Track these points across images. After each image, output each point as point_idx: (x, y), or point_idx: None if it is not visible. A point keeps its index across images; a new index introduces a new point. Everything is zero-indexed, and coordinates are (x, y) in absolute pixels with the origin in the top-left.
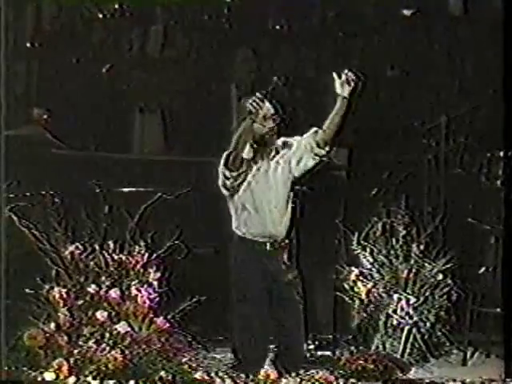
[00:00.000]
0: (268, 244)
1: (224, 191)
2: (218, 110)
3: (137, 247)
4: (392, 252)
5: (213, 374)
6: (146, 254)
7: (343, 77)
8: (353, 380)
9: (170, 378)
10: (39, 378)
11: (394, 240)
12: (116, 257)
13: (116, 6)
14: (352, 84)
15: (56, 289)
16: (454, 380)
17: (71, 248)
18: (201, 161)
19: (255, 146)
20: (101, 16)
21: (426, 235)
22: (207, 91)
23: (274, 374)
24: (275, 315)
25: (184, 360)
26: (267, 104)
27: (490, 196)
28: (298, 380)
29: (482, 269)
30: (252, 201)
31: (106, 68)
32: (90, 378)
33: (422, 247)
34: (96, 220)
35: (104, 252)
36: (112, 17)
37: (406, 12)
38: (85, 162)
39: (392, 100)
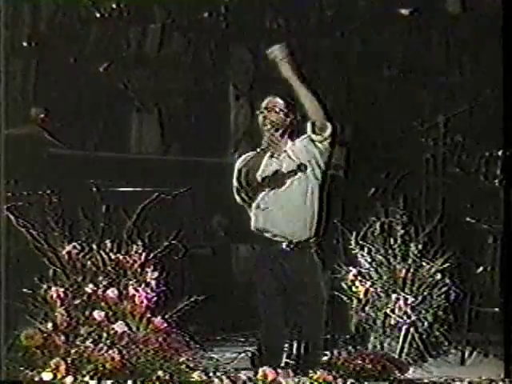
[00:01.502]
0: (284, 244)
1: (238, 199)
2: (216, 109)
3: (134, 247)
4: (390, 251)
5: (211, 374)
6: (144, 254)
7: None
8: (351, 380)
9: (167, 377)
10: (36, 378)
11: (392, 239)
12: (113, 256)
13: (113, 6)
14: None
15: (53, 288)
16: (453, 380)
17: (68, 247)
18: (198, 160)
19: (269, 140)
20: (98, 15)
21: (424, 235)
22: (205, 90)
23: (271, 374)
24: (291, 317)
25: (182, 360)
26: (277, 99)
27: (488, 195)
28: (296, 380)
29: (480, 268)
30: (266, 199)
31: (104, 67)
32: (87, 378)
33: (420, 247)
34: (93, 219)
35: (101, 251)
36: (109, 16)
37: (404, 11)
38: (82, 161)
39: (390, 99)
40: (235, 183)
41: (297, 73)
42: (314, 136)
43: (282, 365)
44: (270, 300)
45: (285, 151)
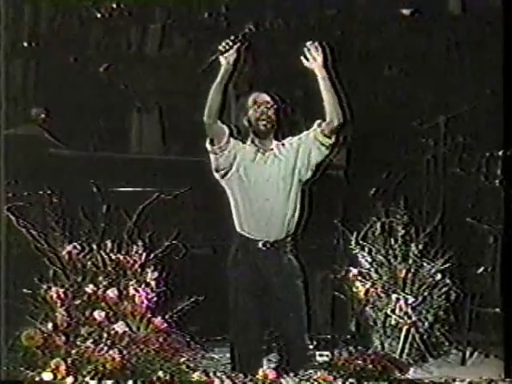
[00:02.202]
0: (260, 242)
1: (214, 172)
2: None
3: (135, 247)
4: (390, 252)
5: (211, 374)
6: (144, 254)
7: (308, 53)
8: (351, 380)
9: (168, 378)
10: (37, 378)
11: (392, 240)
12: (114, 256)
13: (114, 6)
14: (318, 57)
15: (53, 288)
16: (454, 380)
17: (69, 248)
18: (199, 160)
19: (252, 135)
20: (98, 15)
21: (425, 235)
22: (205, 91)
23: (272, 374)
24: (272, 316)
25: (182, 360)
26: (260, 94)
27: (489, 196)
28: (297, 380)
29: (481, 269)
30: (245, 194)
31: (104, 67)
32: (87, 378)
33: (420, 247)
34: (94, 220)
35: (102, 252)
36: (110, 16)
37: (405, 11)
38: (83, 161)
39: (390, 99)
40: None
41: (329, 73)
42: (321, 137)
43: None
44: (245, 300)
45: (271, 149)
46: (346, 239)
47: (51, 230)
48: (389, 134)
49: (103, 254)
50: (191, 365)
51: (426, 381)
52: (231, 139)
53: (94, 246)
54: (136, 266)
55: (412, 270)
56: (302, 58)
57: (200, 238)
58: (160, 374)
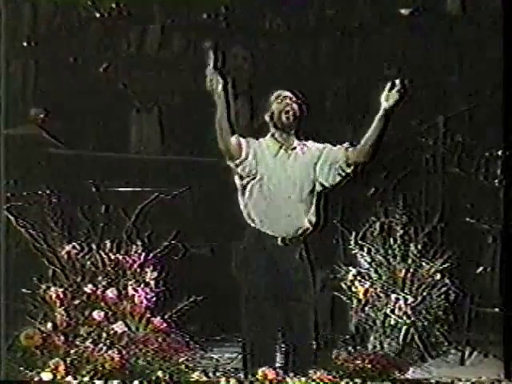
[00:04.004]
0: (279, 238)
1: (236, 180)
2: (215, 109)
3: (134, 247)
4: (390, 252)
5: (210, 375)
6: (143, 254)
7: (388, 86)
8: (351, 380)
9: (167, 377)
10: (36, 378)
11: (391, 239)
12: (113, 256)
13: (113, 5)
14: (397, 95)
15: (53, 288)
16: (453, 380)
17: (68, 248)
18: (198, 160)
19: (274, 129)
20: (98, 15)
21: (424, 235)
22: (204, 91)
23: (271, 374)
24: (284, 314)
25: (181, 360)
26: (284, 90)
27: (488, 195)
28: (296, 380)
29: (480, 268)
30: (266, 190)
31: (103, 67)
32: (86, 378)
33: (419, 247)
34: (93, 220)
35: (101, 252)
36: (109, 16)
37: (404, 11)
38: (82, 161)
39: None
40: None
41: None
42: (344, 165)
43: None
44: (260, 296)
45: (294, 148)
46: (345, 239)
47: (50, 230)
48: (388, 134)
49: (102, 253)
50: (190, 365)
51: (425, 381)
52: (250, 145)
53: (93, 246)
54: (135, 265)
55: (411, 270)
56: (384, 95)
57: (199, 237)
58: (159, 373)
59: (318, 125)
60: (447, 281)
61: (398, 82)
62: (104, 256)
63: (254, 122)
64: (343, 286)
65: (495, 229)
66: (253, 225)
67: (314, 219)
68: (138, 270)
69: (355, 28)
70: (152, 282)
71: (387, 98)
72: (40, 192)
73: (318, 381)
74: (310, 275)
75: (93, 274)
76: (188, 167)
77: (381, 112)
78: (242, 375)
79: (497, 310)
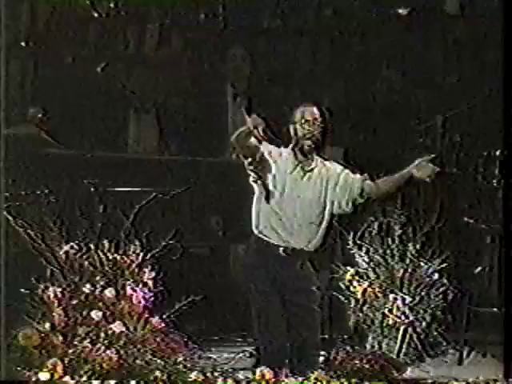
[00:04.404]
0: (280, 249)
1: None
2: (214, 109)
3: (132, 247)
4: (388, 251)
5: (208, 374)
6: (141, 254)
7: (424, 163)
8: (348, 380)
9: (165, 377)
10: (34, 378)
11: (389, 239)
12: (111, 256)
13: (111, 5)
14: (432, 171)
15: (51, 288)
16: (451, 379)
17: (66, 247)
18: (196, 160)
19: (296, 150)
20: (96, 15)
21: (422, 234)
22: (202, 90)
23: (269, 374)
24: (288, 318)
25: (179, 360)
26: (310, 108)
27: (486, 195)
28: (294, 380)
29: (478, 268)
30: (280, 208)
31: (101, 67)
32: (84, 378)
33: (417, 247)
34: (91, 219)
35: (99, 251)
36: (107, 16)
37: (402, 11)
38: (80, 161)
39: (388, 99)
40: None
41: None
42: (358, 196)
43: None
44: (267, 298)
45: (312, 169)
46: (343, 239)
47: (48, 230)
48: (386, 134)
49: (100, 253)
50: (188, 364)
51: (423, 381)
52: (266, 149)
53: (92, 246)
54: (133, 265)
55: (409, 270)
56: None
57: (198, 237)
58: (157, 373)
59: None
60: (445, 280)
61: (432, 157)
62: (102, 256)
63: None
64: (341, 285)
65: (493, 229)
66: (260, 235)
67: (320, 241)
68: (136, 269)
69: (354, 28)
70: (150, 282)
71: (420, 169)
72: (38, 192)
73: (315, 381)
74: (314, 282)
75: (91, 274)
76: (186, 167)
77: (407, 174)
78: (240, 375)
79: (495, 309)
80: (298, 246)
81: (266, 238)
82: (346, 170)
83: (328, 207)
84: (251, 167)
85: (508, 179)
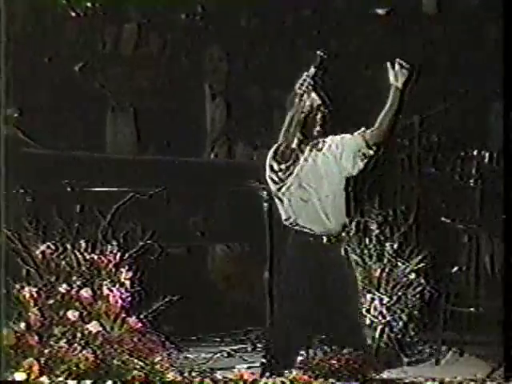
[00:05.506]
0: (324, 237)
1: (271, 185)
2: (192, 109)
3: (109, 247)
4: (365, 251)
5: (186, 374)
6: (119, 254)
7: (397, 66)
8: (326, 380)
9: (142, 377)
10: (9, 378)
11: (367, 239)
12: (88, 256)
13: (88, 5)
14: (406, 73)
15: (27, 288)
16: (427, 379)
17: (42, 247)
18: (174, 160)
19: (302, 137)
20: (73, 14)
21: (400, 234)
22: (180, 90)
23: (247, 375)
24: (328, 314)
25: (157, 360)
26: (313, 94)
27: (463, 195)
28: (272, 381)
29: (455, 268)
30: (301, 192)
31: (79, 66)
32: (61, 378)
33: (395, 246)
34: (68, 219)
35: (76, 251)
36: (85, 15)
37: (381, 11)
38: (57, 161)
39: (365, 100)
40: (271, 162)
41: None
42: (366, 150)
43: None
44: (299, 298)
45: (320, 149)
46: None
47: (25, 230)
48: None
49: (77, 253)
50: (166, 364)
51: (400, 381)
52: None
53: (68, 246)
54: (110, 265)
55: (387, 270)
56: (389, 72)
57: (175, 238)
58: (134, 373)
59: None
60: (422, 280)
61: (398, 61)
62: (79, 256)
63: (231, 121)
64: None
65: (470, 228)
66: (296, 227)
67: (351, 213)
68: (113, 269)
69: (332, 28)
70: (127, 282)
71: (396, 78)
72: (15, 191)
73: (293, 381)
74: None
75: (67, 274)
76: (164, 167)
77: (392, 92)
78: (217, 375)
79: (472, 309)
80: (335, 228)
81: (303, 229)
82: (345, 135)
83: (347, 175)
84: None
85: (508, 179)
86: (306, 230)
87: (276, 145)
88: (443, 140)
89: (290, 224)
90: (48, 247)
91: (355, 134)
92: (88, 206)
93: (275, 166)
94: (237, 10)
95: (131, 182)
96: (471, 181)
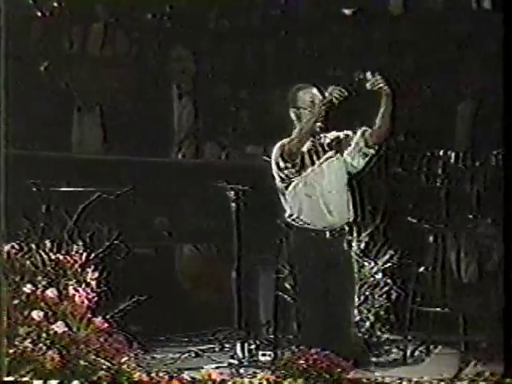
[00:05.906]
0: (327, 232)
1: (278, 182)
2: (159, 109)
3: (75, 247)
4: None
5: (153, 375)
6: (85, 254)
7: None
8: (294, 380)
9: (109, 378)
10: None
11: None
12: (53, 256)
13: (55, 4)
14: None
15: None
16: (394, 379)
17: (7, 247)
18: (141, 160)
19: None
20: (39, 14)
21: (367, 234)
22: (148, 90)
23: (215, 375)
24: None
25: (123, 360)
26: (314, 90)
27: (430, 195)
28: (240, 381)
29: (421, 268)
30: (306, 189)
31: (45, 66)
32: (26, 378)
33: (362, 246)
34: (33, 219)
35: (41, 251)
36: (51, 15)
37: (347, 11)
38: (22, 160)
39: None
40: (277, 160)
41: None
42: (366, 149)
43: None
44: (310, 293)
45: (322, 144)
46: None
47: None
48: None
49: (42, 253)
50: (133, 365)
51: (368, 381)
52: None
53: (33, 246)
54: (76, 265)
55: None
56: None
57: (142, 238)
58: (101, 373)
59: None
60: (389, 280)
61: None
62: (44, 256)
63: (199, 121)
64: (287, 285)
65: (436, 228)
66: (300, 223)
67: (355, 208)
68: (79, 269)
69: (299, 28)
70: (93, 282)
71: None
72: None
73: (261, 381)
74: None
75: (32, 274)
76: (130, 167)
77: (383, 96)
78: (185, 375)
79: (438, 309)
80: (339, 222)
81: (307, 225)
82: (347, 132)
83: (350, 171)
84: (287, 171)
85: (508, 179)
86: (310, 227)
87: (280, 143)
88: (410, 140)
89: (293, 220)
90: (13, 247)
91: (358, 133)
92: (54, 206)
93: (282, 164)
94: (205, 10)
95: (98, 181)
96: (437, 181)
